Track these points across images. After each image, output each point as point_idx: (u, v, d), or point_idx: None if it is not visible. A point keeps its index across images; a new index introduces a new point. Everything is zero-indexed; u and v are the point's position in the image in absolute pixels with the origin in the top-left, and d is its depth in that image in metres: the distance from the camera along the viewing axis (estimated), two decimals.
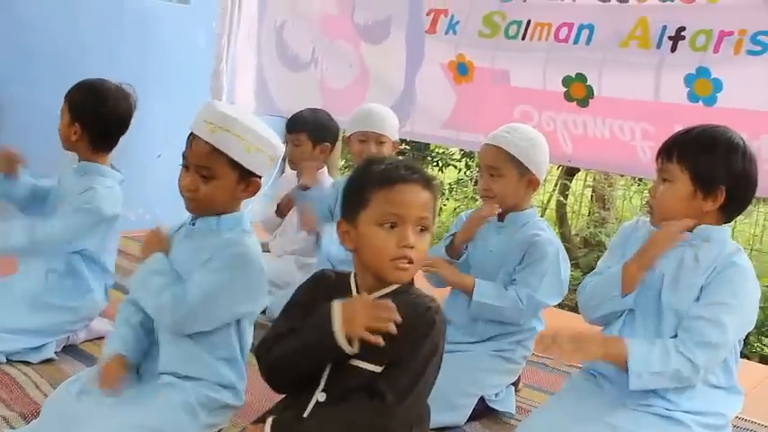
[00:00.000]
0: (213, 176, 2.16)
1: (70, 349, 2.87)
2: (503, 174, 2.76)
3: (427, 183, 1.87)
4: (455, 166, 7.76)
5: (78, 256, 2.93)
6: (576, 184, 6.84)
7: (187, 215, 2.33)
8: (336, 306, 1.80)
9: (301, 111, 3.77)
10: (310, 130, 3.66)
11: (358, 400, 1.80)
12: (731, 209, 2.25)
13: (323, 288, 1.96)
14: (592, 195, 6.57)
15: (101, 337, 3.00)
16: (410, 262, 1.83)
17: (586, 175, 6.75)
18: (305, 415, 1.84)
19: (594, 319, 2.43)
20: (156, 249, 2.27)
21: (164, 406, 2.12)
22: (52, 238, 2.80)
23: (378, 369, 1.81)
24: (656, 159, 2.30)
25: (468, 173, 7.64)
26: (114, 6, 5.00)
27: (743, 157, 2.18)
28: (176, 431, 2.12)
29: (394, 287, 1.88)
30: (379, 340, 1.72)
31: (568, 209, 6.66)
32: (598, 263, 2.55)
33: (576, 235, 6.30)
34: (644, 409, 2.19)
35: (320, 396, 1.85)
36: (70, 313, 2.85)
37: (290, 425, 1.83)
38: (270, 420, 1.84)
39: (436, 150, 7.64)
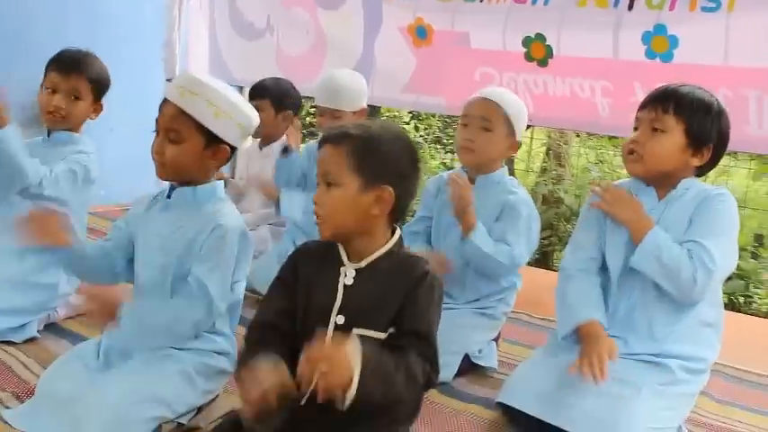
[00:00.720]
0: (180, 140, 2.15)
1: (52, 327, 2.84)
2: (493, 128, 2.77)
3: (335, 139, 1.85)
4: (404, 128, 7.83)
5: None
6: (526, 141, 6.95)
7: (158, 187, 2.33)
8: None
9: (264, 79, 3.76)
10: (273, 98, 3.66)
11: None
12: (706, 168, 2.37)
13: (310, 261, 1.93)
14: (548, 152, 6.68)
15: (82, 314, 2.97)
16: (320, 218, 1.86)
17: (533, 131, 6.85)
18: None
19: None
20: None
21: (163, 376, 2.13)
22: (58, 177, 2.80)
23: (382, 335, 1.82)
24: (644, 108, 2.34)
25: (417, 135, 7.72)
26: None
27: (726, 121, 2.31)
28: (177, 400, 2.13)
29: (384, 250, 1.88)
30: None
31: (519, 165, 6.76)
32: (573, 235, 2.58)
33: (534, 192, 6.41)
34: (629, 357, 2.28)
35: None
36: (50, 290, 2.81)
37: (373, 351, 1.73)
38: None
39: (385, 114, 7.68)
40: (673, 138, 2.27)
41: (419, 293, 1.82)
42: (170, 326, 2.16)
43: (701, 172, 2.38)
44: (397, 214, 1.90)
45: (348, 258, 1.90)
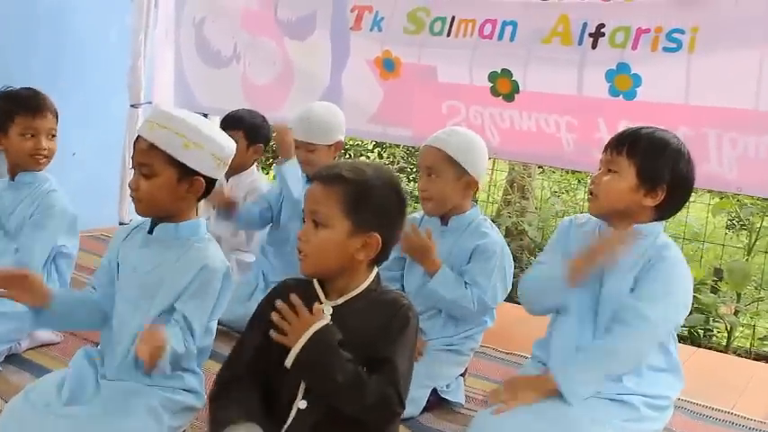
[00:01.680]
0: (153, 174, 2.15)
1: (14, 359, 2.79)
2: (440, 174, 2.79)
3: (329, 179, 1.87)
4: (367, 157, 7.89)
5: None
6: (487, 173, 7.01)
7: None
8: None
9: (238, 110, 3.76)
10: (246, 130, 3.66)
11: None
12: (666, 209, 2.38)
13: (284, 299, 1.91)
14: (513, 185, 6.73)
15: (44, 345, 2.93)
16: (304, 255, 1.88)
17: (494, 162, 6.91)
18: (288, 423, 1.86)
19: (537, 312, 2.54)
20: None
21: (129, 411, 2.10)
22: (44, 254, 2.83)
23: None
24: (605, 151, 2.40)
25: (381, 162, 7.77)
26: (26, 3, 4.83)
27: (687, 163, 2.34)
28: None
29: (363, 288, 1.90)
30: None
31: (482, 196, 6.81)
32: (538, 257, 2.64)
33: (497, 223, 6.45)
34: (594, 395, 2.29)
35: (301, 404, 1.87)
36: (15, 320, 2.76)
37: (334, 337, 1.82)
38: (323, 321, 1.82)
39: (349, 143, 7.72)
40: (625, 178, 2.31)
41: (394, 327, 1.85)
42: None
43: (662, 214, 2.39)
44: (381, 258, 1.92)
45: (326, 296, 1.92)
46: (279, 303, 1.81)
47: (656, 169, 2.29)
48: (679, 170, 2.31)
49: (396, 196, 1.91)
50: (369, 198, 1.85)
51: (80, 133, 4.76)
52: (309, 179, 1.93)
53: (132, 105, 4.90)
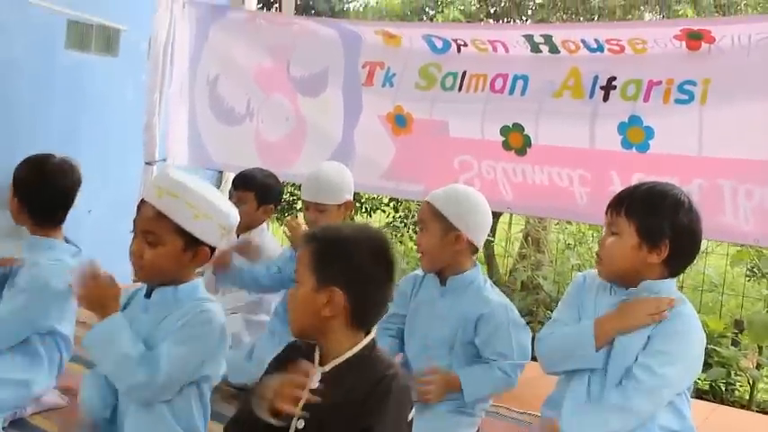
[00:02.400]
0: (158, 242, 2.14)
1: (18, 423, 2.75)
2: (427, 228, 2.78)
3: (306, 238, 1.93)
4: (383, 211, 7.89)
5: (37, 336, 2.82)
6: (504, 226, 7.00)
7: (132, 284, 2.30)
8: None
9: (252, 169, 3.76)
10: (258, 191, 3.65)
11: None
12: (675, 263, 2.33)
13: (293, 357, 1.92)
14: (527, 238, 6.70)
15: (50, 409, 2.90)
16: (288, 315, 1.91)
17: (511, 216, 6.90)
18: None
19: (557, 373, 2.48)
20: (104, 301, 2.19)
21: None
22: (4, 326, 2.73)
23: None
24: (606, 213, 2.37)
25: (396, 216, 7.77)
26: (44, 61, 4.92)
27: (688, 213, 2.28)
28: None
29: (351, 353, 1.86)
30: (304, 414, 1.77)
31: (498, 250, 6.79)
32: (554, 315, 2.58)
33: (513, 278, 6.41)
34: None
35: None
36: (21, 388, 2.74)
37: None
38: None
39: (366, 196, 7.73)
40: (626, 239, 2.28)
41: (373, 396, 1.78)
42: (115, 372, 2.14)
43: (673, 269, 2.34)
44: (360, 318, 1.87)
45: (320, 361, 1.89)
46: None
47: (656, 225, 2.25)
48: (679, 222, 2.26)
49: (370, 253, 1.86)
50: (333, 253, 1.85)
51: (96, 191, 4.79)
52: None
53: (147, 163, 4.92)
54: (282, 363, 1.93)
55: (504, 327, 2.73)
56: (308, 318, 1.85)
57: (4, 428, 2.69)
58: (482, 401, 2.83)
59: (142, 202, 2.18)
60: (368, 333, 1.90)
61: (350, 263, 1.84)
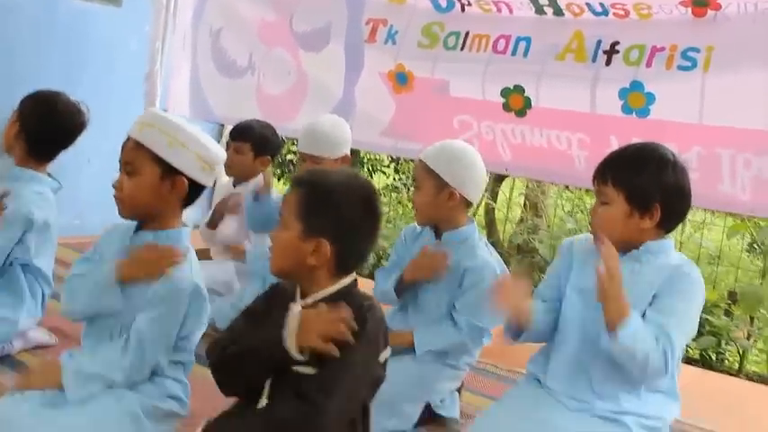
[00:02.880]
0: (136, 171, 2.15)
1: (6, 360, 2.80)
2: (421, 186, 2.80)
3: (294, 182, 1.91)
4: (384, 172, 7.88)
5: (14, 266, 2.86)
6: (505, 191, 6.98)
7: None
8: (293, 313, 1.81)
9: (249, 121, 3.75)
10: (255, 142, 3.65)
11: (286, 401, 1.79)
12: (669, 221, 2.31)
13: (271, 299, 1.96)
14: (525, 203, 6.71)
15: (39, 347, 2.93)
16: (270, 253, 1.90)
17: (514, 181, 6.89)
18: (248, 416, 1.85)
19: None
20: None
21: (110, 416, 2.09)
22: None
23: (311, 371, 1.80)
24: (593, 182, 2.35)
25: (398, 178, 7.76)
26: (46, 8, 4.88)
27: (674, 171, 2.26)
28: None
29: (332, 290, 1.87)
30: (334, 350, 1.74)
31: (499, 215, 6.78)
32: (539, 286, 2.56)
33: (511, 242, 6.42)
34: (587, 412, 2.25)
35: (263, 402, 1.85)
36: (5, 324, 2.77)
37: (218, 425, 1.85)
38: (203, 422, 1.86)
39: (367, 157, 7.72)
40: (616, 208, 2.25)
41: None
42: (104, 374, 2.13)
43: (667, 228, 2.33)
44: (343, 266, 1.88)
45: (302, 296, 1.90)
46: None
47: (644, 190, 2.22)
48: (667, 182, 2.23)
49: (359, 205, 1.86)
50: (322, 202, 1.84)
51: (96, 140, 4.77)
52: None
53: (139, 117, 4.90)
54: (267, 303, 1.95)
55: (482, 287, 2.71)
56: (290, 262, 1.85)
57: None
58: (462, 354, 2.84)
59: (126, 138, 2.20)
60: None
61: (339, 214, 1.83)
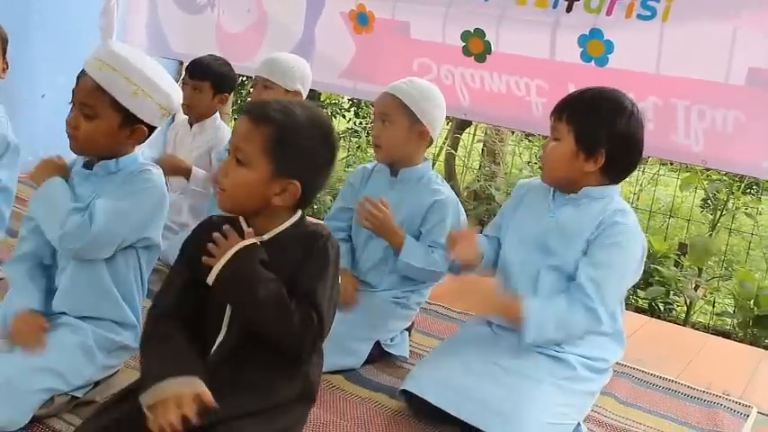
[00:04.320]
0: (95, 115, 2.10)
1: None
2: (393, 120, 2.76)
3: (256, 116, 1.81)
4: (344, 116, 7.85)
5: None
6: (467, 139, 7.00)
7: (73, 157, 2.28)
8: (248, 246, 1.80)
9: (204, 57, 3.67)
10: (213, 79, 3.58)
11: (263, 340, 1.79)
12: (614, 171, 2.34)
13: (210, 234, 1.85)
14: (483, 150, 6.73)
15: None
16: (222, 189, 1.83)
17: (476, 129, 6.90)
18: (210, 355, 1.85)
19: None
20: (52, 174, 2.20)
21: (60, 347, 2.09)
22: None
23: None
24: (550, 118, 2.38)
25: (358, 122, 7.72)
26: None
27: (628, 120, 2.28)
28: (73, 372, 2.09)
29: (286, 226, 1.87)
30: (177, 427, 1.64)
31: (458, 162, 6.80)
32: (488, 225, 2.63)
33: (467, 188, 6.45)
34: (533, 350, 2.30)
35: (222, 337, 1.85)
36: None
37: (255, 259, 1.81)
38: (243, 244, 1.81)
39: (327, 101, 7.68)
40: (565, 145, 2.29)
41: (311, 257, 1.82)
42: (48, 222, 2.15)
43: (612, 177, 2.36)
44: (302, 204, 1.89)
45: (255, 233, 1.87)
46: (215, 235, 1.80)
47: (592, 133, 2.26)
48: (617, 130, 2.26)
49: (324, 144, 1.86)
50: (294, 144, 1.80)
51: (50, 76, 4.68)
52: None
53: (97, 52, 4.80)
54: (199, 239, 1.89)
55: (448, 221, 2.75)
56: (251, 200, 1.82)
57: None
58: (415, 290, 2.87)
59: (82, 72, 2.13)
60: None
61: (309, 155, 1.82)
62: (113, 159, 2.20)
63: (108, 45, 2.17)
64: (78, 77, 2.15)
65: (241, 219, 1.89)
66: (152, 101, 2.13)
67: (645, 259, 2.39)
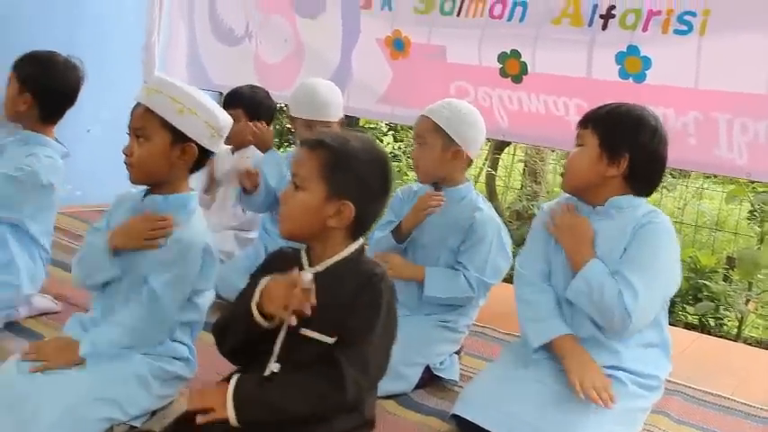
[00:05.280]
0: (147, 138, 2.16)
1: (12, 326, 2.83)
2: (428, 142, 2.81)
3: (312, 144, 1.89)
4: (381, 140, 7.90)
5: (6, 229, 2.85)
6: (506, 159, 6.98)
7: (133, 188, 2.33)
8: (262, 283, 1.86)
9: (240, 87, 3.75)
10: (247, 107, 3.65)
11: (317, 370, 1.82)
12: (637, 182, 2.36)
13: (278, 264, 1.95)
14: (524, 169, 6.71)
15: (44, 314, 2.97)
16: (281, 215, 1.91)
17: (515, 148, 6.88)
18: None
19: None
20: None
21: (118, 378, 2.13)
22: None
23: (330, 340, 1.84)
24: (576, 128, 2.43)
25: (396, 146, 7.76)
26: None
27: (652, 135, 2.32)
28: (130, 402, 2.13)
29: (342, 256, 1.91)
30: (292, 320, 1.77)
31: (499, 182, 6.79)
32: (524, 256, 2.57)
33: (509, 208, 6.43)
34: None
35: (274, 367, 1.87)
36: (10, 289, 2.78)
37: (252, 386, 1.85)
38: (234, 379, 1.85)
39: (367, 125, 7.73)
40: (588, 150, 2.33)
41: (361, 297, 1.84)
42: (120, 340, 2.17)
43: (636, 189, 2.37)
44: (359, 230, 1.92)
45: (309, 263, 1.93)
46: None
47: (616, 137, 2.30)
48: (641, 140, 2.30)
49: (378, 170, 1.90)
50: (347, 166, 1.85)
51: (94, 110, 4.78)
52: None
53: (146, 82, 4.91)
54: (267, 269, 1.96)
55: (487, 242, 2.78)
56: (308, 223, 1.87)
57: None
58: (463, 313, 2.88)
59: (136, 104, 2.21)
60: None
61: (362, 177, 1.87)
62: (162, 196, 2.25)
63: (156, 75, 2.24)
64: (132, 110, 2.21)
65: (303, 250, 1.94)
66: (198, 118, 2.18)
67: (692, 274, 2.38)
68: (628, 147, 2.29)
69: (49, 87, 2.86)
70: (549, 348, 2.35)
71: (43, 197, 2.87)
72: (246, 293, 1.94)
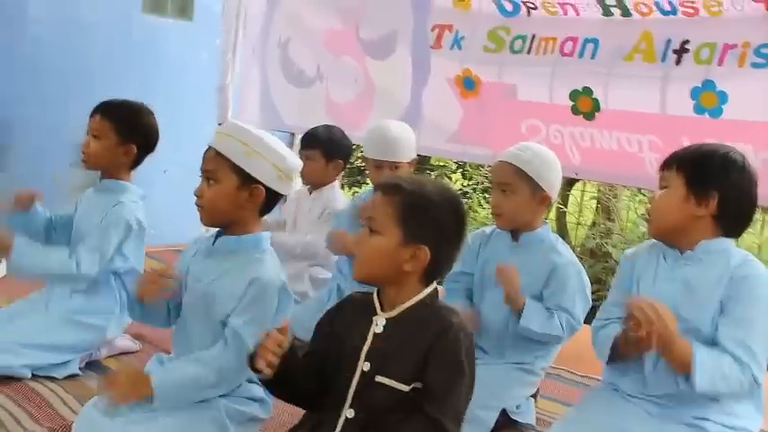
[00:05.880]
0: (216, 180, 2.22)
1: (93, 365, 2.90)
2: (515, 190, 2.77)
3: (388, 188, 1.90)
4: (450, 178, 7.90)
5: (108, 276, 2.96)
6: (577, 195, 6.92)
7: (204, 230, 2.39)
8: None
9: (317, 127, 3.82)
10: (323, 147, 3.71)
11: (396, 419, 1.81)
12: (727, 222, 2.27)
13: (350, 309, 1.98)
14: (597, 206, 6.64)
15: (123, 353, 3.04)
16: (356, 259, 1.92)
17: (584, 185, 6.82)
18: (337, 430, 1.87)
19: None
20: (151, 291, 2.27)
21: (195, 421, 2.16)
22: (90, 265, 2.82)
23: (405, 388, 1.83)
24: (659, 171, 2.36)
25: (465, 183, 7.75)
26: (121, 24, 5.04)
27: (740, 172, 2.24)
28: None
29: (415, 300, 1.90)
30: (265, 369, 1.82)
31: (570, 219, 6.73)
32: (604, 304, 2.52)
33: (581, 245, 6.36)
34: (669, 419, 2.23)
35: (348, 413, 1.88)
36: (97, 332, 2.88)
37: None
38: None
39: (436, 164, 7.75)
40: (674, 191, 2.25)
41: (440, 347, 1.82)
42: (198, 378, 2.19)
43: (726, 230, 2.28)
44: (433, 274, 1.92)
45: (381, 308, 1.93)
46: None
47: (704, 176, 2.21)
48: (729, 177, 2.21)
49: (453, 215, 1.91)
50: (423, 210, 1.86)
51: (171, 151, 4.89)
52: None
53: (220, 124, 5.02)
54: (338, 314, 1.99)
55: (571, 286, 2.75)
56: (384, 267, 1.88)
57: (81, 369, 2.83)
58: (540, 355, 2.84)
59: (207, 148, 2.28)
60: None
61: (439, 223, 1.87)
62: (235, 236, 2.29)
63: (230, 121, 2.29)
64: (204, 153, 2.28)
65: (375, 295, 1.95)
66: (265, 160, 2.23)
67: None
68: (716, 185, 2.20)
69: (147, 136, 2.97)
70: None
71: (138, 241, 2.95)
72: (313, 342, 1.98)
